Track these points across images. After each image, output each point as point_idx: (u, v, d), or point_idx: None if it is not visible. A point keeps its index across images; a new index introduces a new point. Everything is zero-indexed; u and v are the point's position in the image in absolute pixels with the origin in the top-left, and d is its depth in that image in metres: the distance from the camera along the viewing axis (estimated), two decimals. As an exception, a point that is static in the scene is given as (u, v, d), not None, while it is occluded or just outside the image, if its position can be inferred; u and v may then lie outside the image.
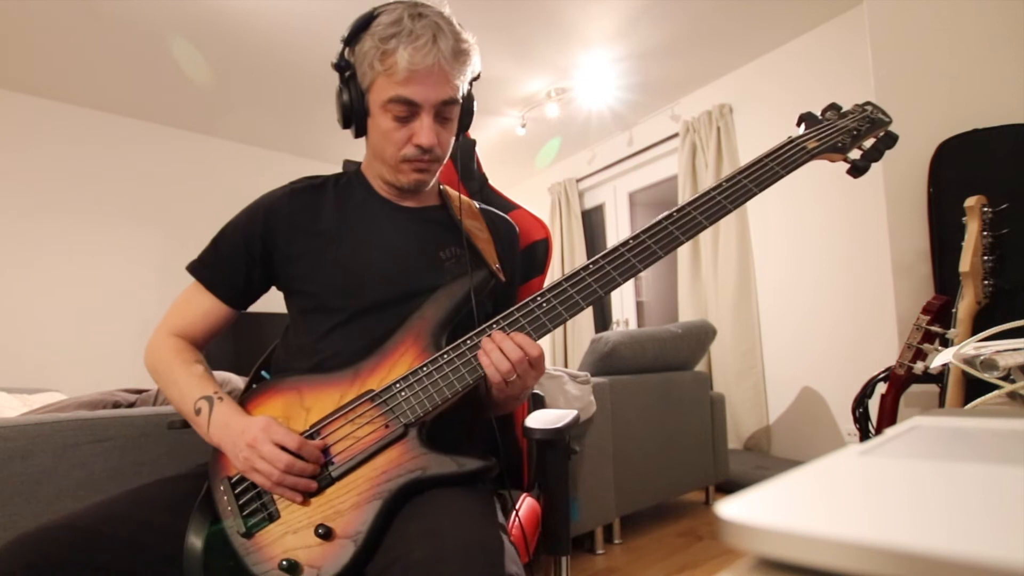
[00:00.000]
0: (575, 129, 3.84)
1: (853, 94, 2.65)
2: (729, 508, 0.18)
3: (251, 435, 0.71)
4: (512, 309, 0.74)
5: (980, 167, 1.36)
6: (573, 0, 2.57)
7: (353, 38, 0.80)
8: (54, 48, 2.80)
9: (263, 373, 0.92)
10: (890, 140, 0.86)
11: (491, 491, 0.78)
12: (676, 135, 3.47)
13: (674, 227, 0.74)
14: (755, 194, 0.77)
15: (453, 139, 0.87)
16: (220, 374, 1.22)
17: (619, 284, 0.72)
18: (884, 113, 0.89)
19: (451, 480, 0.70)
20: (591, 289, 0.73)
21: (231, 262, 0.87)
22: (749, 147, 3.10)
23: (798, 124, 0.89)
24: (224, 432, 0.74)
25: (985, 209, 1.25)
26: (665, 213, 0.76)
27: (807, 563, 0.16)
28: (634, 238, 0.75)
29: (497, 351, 0.71)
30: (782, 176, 0.79)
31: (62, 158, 3.30)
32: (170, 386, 0.83)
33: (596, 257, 0.74)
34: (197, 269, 0.89)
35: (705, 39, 2.90)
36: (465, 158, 1.12)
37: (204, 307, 0.87)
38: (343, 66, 0.82)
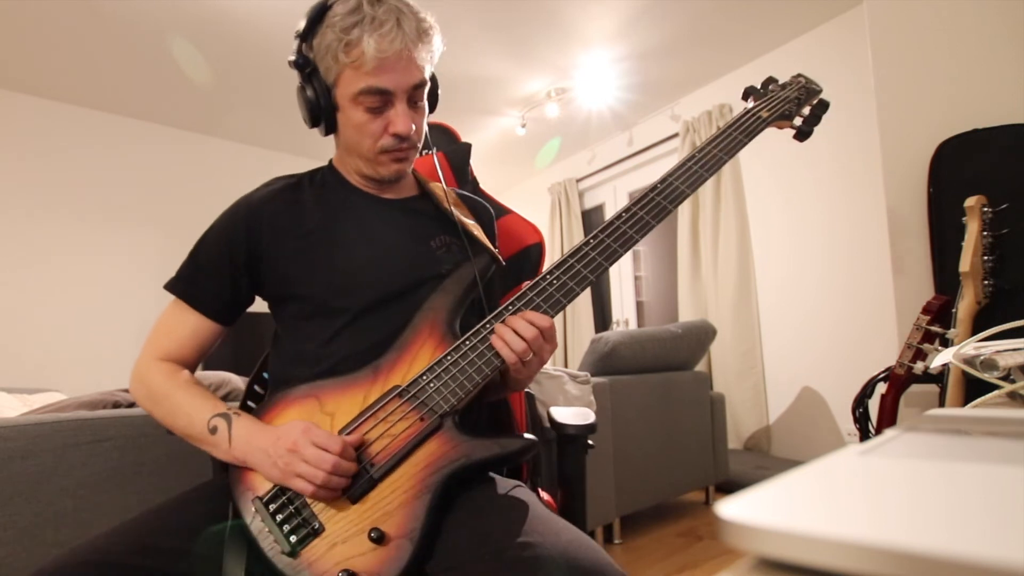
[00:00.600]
0: (575, 129, 3.84)
1: (853, 94, 2.63)
2: (729, 508, 0.18)
3: (291, 440, 0.67)
4: (525, 289, 0.74)
5: (980, 167, 1.36)
6: (573, 0, 2.57)
7: (309, 32, 0.77)
8: (54, 48, 2.80)
9: (255, 388, 0.89)
10: (823, 107, 0.98)
11: (520, 485, 0.78)
12: (676, 135, 3.47)
13: (660, 197, 0.81)
14: (725, 161, 0.87)
15: (425, 123, 0.85)
16: (219, 374, 1.23)
17: (621, 255, 0.76)
18: (815, 83, 1.01)
19: (496, 462, 0.70)
20: (597, 263, 0.75)
21: (214, 273, 0.82)
22: (749, 146, 3.11)
23: (744, 98, 0.99)
24: (250, 445, 0.71)
25: (985, 209, 1.25)
26: (650, 184, 0.82)
27: (807, 563, 0.16)
28: (626, 211, 0.79)
29: (510, 332, 0.70)
30: (745, 143, 0.90)
31: (62, 158, 3.30)
32: (172, 412, 0.78)
33: (596, 231, 0.78)
34: (177, 286, 0.83)
35: (705, 39, 2.90)
36: (460, 162, 1.12)
37: (190, 327, 0.82)
38: (302, 63, 0.78)
